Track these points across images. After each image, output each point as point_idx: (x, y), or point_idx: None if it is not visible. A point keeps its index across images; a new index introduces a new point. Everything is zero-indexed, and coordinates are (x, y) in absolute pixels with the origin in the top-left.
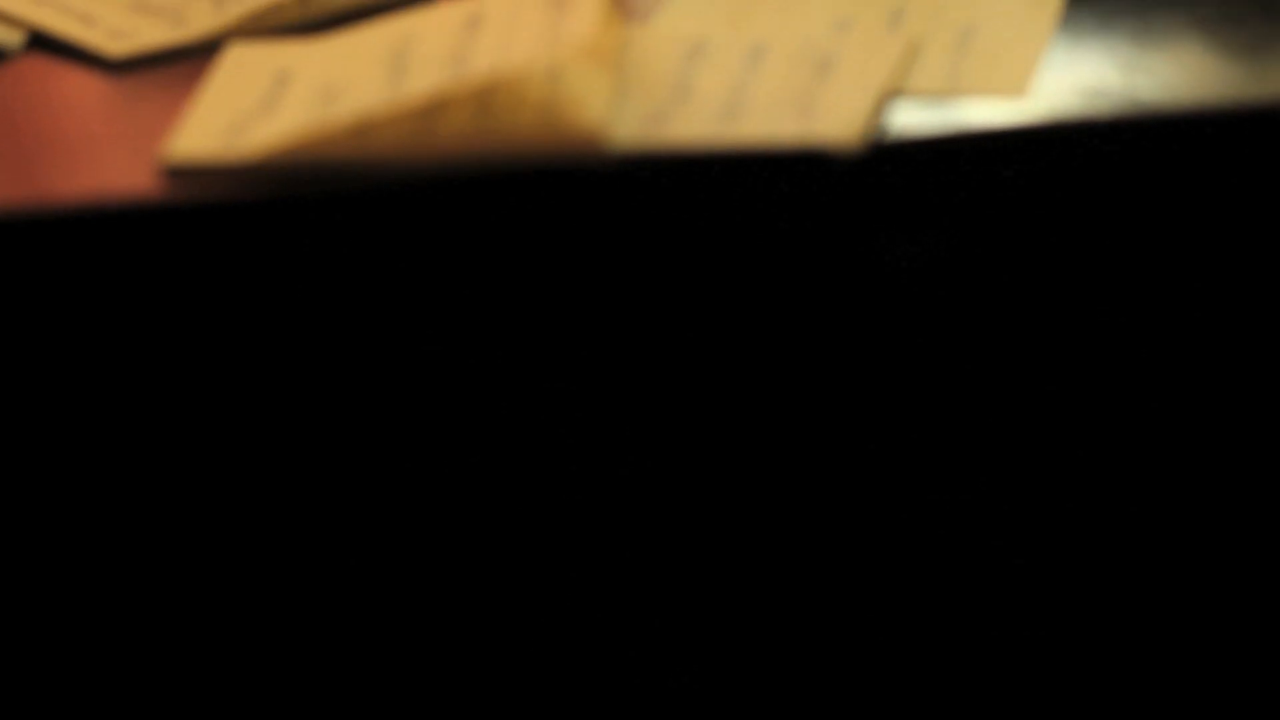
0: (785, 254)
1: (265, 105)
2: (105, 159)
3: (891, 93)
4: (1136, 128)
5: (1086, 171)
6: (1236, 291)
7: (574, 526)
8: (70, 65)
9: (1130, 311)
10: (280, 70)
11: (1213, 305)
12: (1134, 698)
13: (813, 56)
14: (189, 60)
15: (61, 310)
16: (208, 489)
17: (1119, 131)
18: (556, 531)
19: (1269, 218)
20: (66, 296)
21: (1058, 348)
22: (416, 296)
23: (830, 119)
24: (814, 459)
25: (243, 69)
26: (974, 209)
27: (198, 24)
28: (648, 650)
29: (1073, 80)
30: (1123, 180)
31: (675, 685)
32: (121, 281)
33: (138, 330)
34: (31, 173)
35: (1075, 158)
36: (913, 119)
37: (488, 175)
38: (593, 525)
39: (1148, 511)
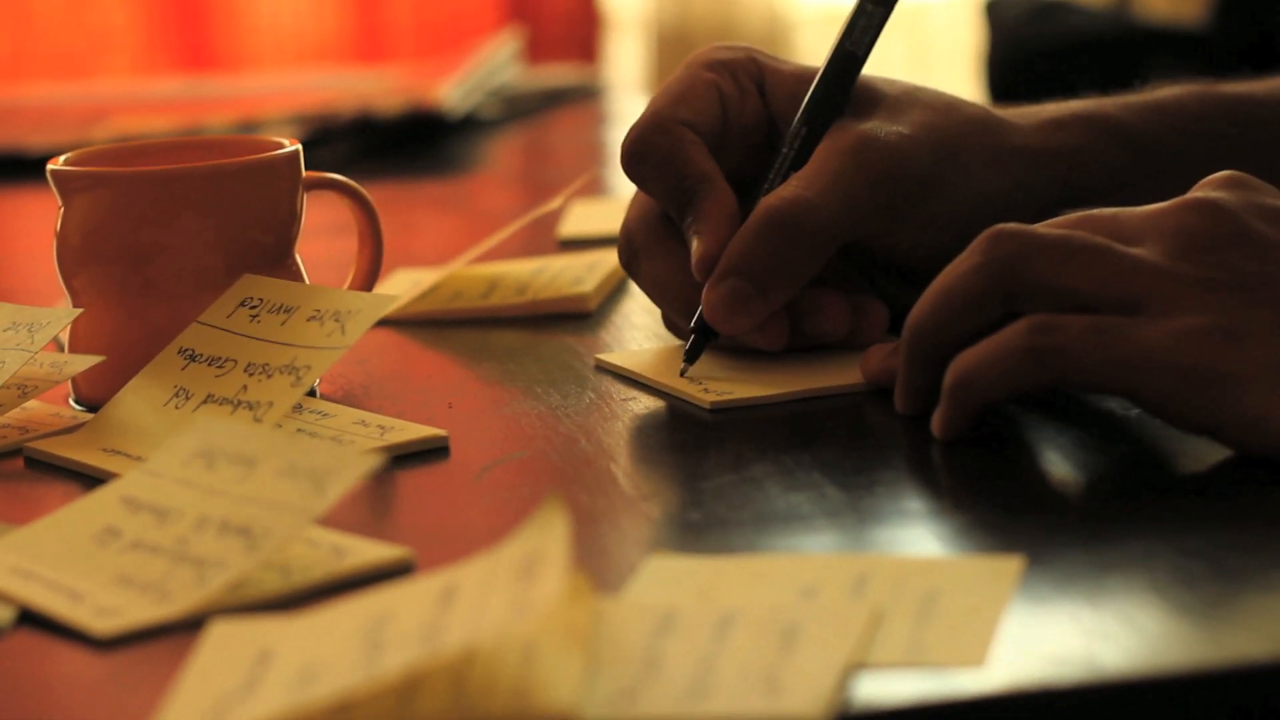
0: None
1: (246, 687)
2: None
3: (856, 665)
4: (1099, 695)
5: None
6: None
7: None
8: (58, 642)
9: None
10: (260, 650)
11: None
12: None
13: (779, 627)
14: (175, 634)
15: None
16: None
17: (1082, 699)
18: None
19: None
20: None
21: None
22: None
23: (797, 695)
24: None
25: (225, 649)
26: None
27: (181, 598)
28: None
29: (1034, 647)
30: None
31: None
32: None
33: None
34: None
35: None
36: (875, 690)
37: None
38: None
39: None
